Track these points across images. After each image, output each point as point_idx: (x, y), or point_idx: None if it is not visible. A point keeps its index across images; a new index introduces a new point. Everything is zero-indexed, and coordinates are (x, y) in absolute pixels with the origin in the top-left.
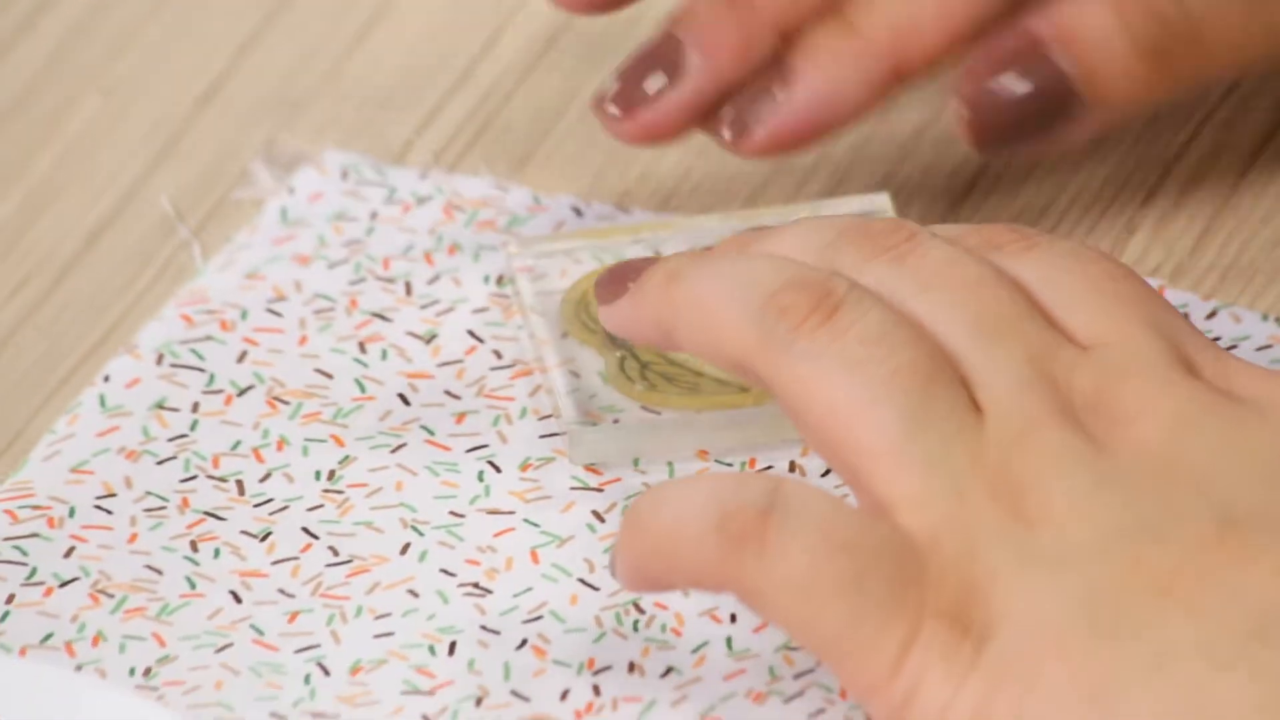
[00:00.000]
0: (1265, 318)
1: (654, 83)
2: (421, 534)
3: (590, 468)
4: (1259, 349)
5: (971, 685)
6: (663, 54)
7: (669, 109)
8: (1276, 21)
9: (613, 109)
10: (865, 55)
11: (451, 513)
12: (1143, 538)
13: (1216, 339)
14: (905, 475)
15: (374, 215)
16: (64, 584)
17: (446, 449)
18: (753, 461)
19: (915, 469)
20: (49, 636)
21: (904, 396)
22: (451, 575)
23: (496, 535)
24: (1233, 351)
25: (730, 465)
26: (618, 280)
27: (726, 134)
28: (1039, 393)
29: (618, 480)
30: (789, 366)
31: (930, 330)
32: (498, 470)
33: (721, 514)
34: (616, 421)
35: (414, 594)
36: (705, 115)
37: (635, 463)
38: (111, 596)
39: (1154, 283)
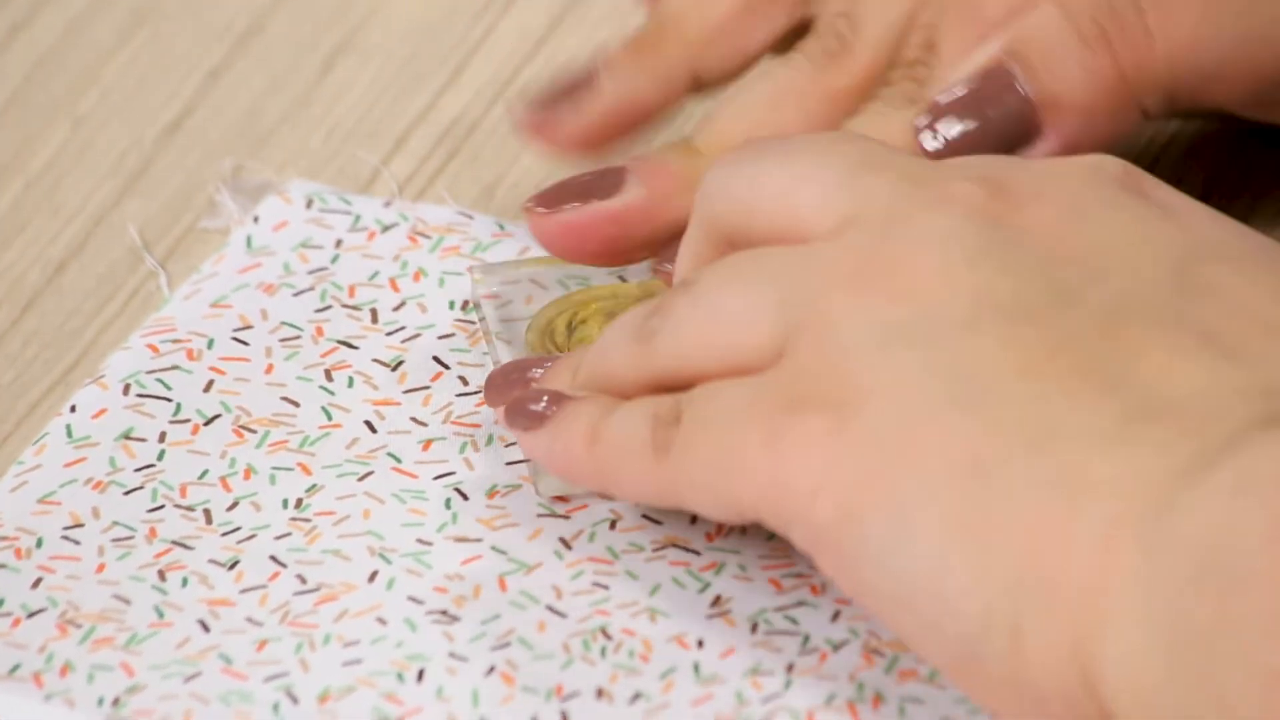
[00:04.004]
0: None
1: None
2: (389, 561)
3: (557, 497)
4: None
5: (842, 464)
6: (605, 176)
7: (590, 211)
8: (1229, 24)
9: (537, 209)
10: None
11: (419, 540)
12: (1018, 316)
13: None
14: (759, 319)
15: (339, 243)
16: (32, 615)
17: (414, 476)
18: None
19: (765, 309)
20: (17, 667)
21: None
22: (419, 603)
23: (464, 563)
24: None
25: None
26: (521, 409)
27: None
28: (907, 194)
29: (584, 507)
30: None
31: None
32: (465, 497)
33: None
34: None
35: (382, 621)
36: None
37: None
38: (80, 627)
39: None
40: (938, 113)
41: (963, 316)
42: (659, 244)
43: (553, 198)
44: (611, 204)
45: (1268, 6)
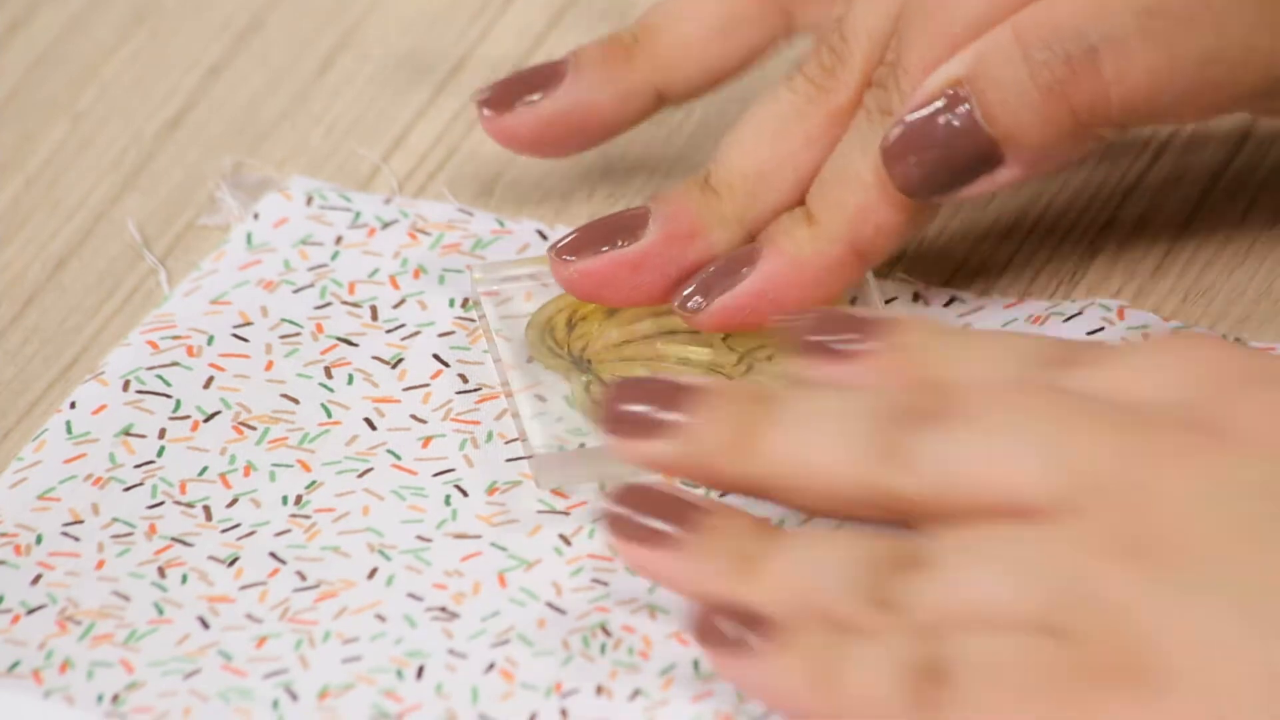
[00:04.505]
0: (1225, 338)
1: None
2: (389, 558)
3: (557, 491)
4: None
5: None
6: (627, 220)
7: (608, 258)
8: (1185, 58)
9: (563, 251)
10: (821, 239)
11: (419, 537)
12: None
13: None
14: (1026, 605)
15: (339, 240)
16: (31, 611)
17: (413, 473)
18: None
19: (1034, 589)
20: (16, 664)
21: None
22: (419, 599)
23: (464, 559)
24: None
25: (696, 489)
26: (642, 528)
27: (678, 305)
28: (1129, 453)
29: (584, 504)
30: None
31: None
32: (465, 494)
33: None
34: (582, 445)
35: (381, 618)
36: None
37: (601, 486)
38: (79, 623)
39: (1115, 304)
40: (904, 139)
41: (1225, 555)
42: (679, 285)
43: (575, 245)
44: (629, 251)
45: (1230, 52)
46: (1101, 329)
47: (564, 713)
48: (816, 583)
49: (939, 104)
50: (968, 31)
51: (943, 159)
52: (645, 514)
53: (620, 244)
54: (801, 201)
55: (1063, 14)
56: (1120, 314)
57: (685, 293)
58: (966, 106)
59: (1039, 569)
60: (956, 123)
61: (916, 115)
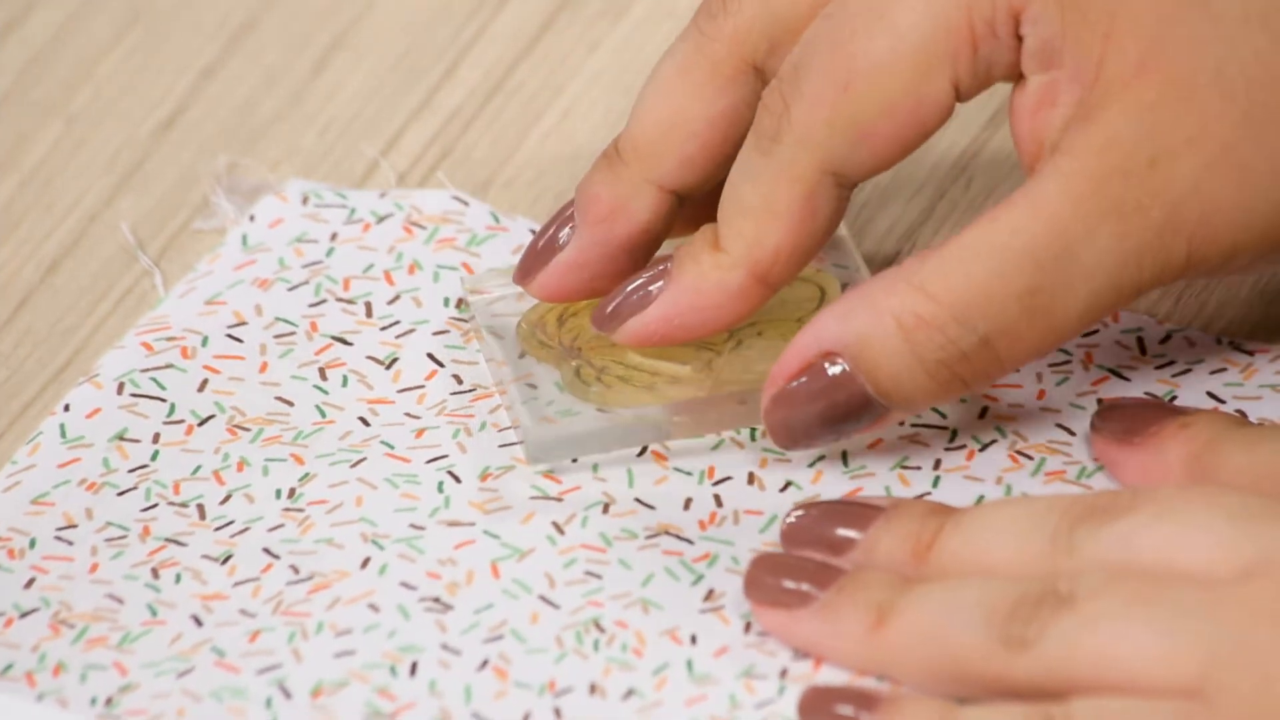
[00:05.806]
0: (1219, 341)
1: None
2: (382, 548)
3: (549, 475)
4: (1213, 372)
5: None
6: (562, 221)
7: (555, 267)
8: (1067, 317)
9: (517, 278)
10: (723, 266)
11: (412, 525)
12: None
13: (1170, 362)
14: (1179, 658)
15: (334, 236)
16: (24, 615)
17: (406, 460)
18: (711, 470)
19: (1186, 648)
20: (9, 667)
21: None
22: (412, 589)
23: (457, 547)
24: (1187, 375)
25: (690, 475)
26: (775, 590)
27: (594, 324)
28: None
29: (577, 489)
30: (1058, 648)
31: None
32: (457, 480)
33: None
34: (574, 424)
35: (375, 608)
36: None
37: (595, 469)
38: (72, 627)
39: None
40: (780, 401)
41: None
42: (638, 254)
43: (525, 266)
44: (568, 254)
45: (1103, 297)
46: (1095, 330)
47: (558, 712)
48: (945, 629)
49: (821, 371)
50: (870, 71)
51: (823, 416)
52: (781, 577)
53: (561, 246)
54: (708, 152)
55: (946, 308)
56: (1115, 317)
57: (605, 311)
58: (842, 368)
59: (1192, 617)
60: (838, 388)
61: (794, 384)
